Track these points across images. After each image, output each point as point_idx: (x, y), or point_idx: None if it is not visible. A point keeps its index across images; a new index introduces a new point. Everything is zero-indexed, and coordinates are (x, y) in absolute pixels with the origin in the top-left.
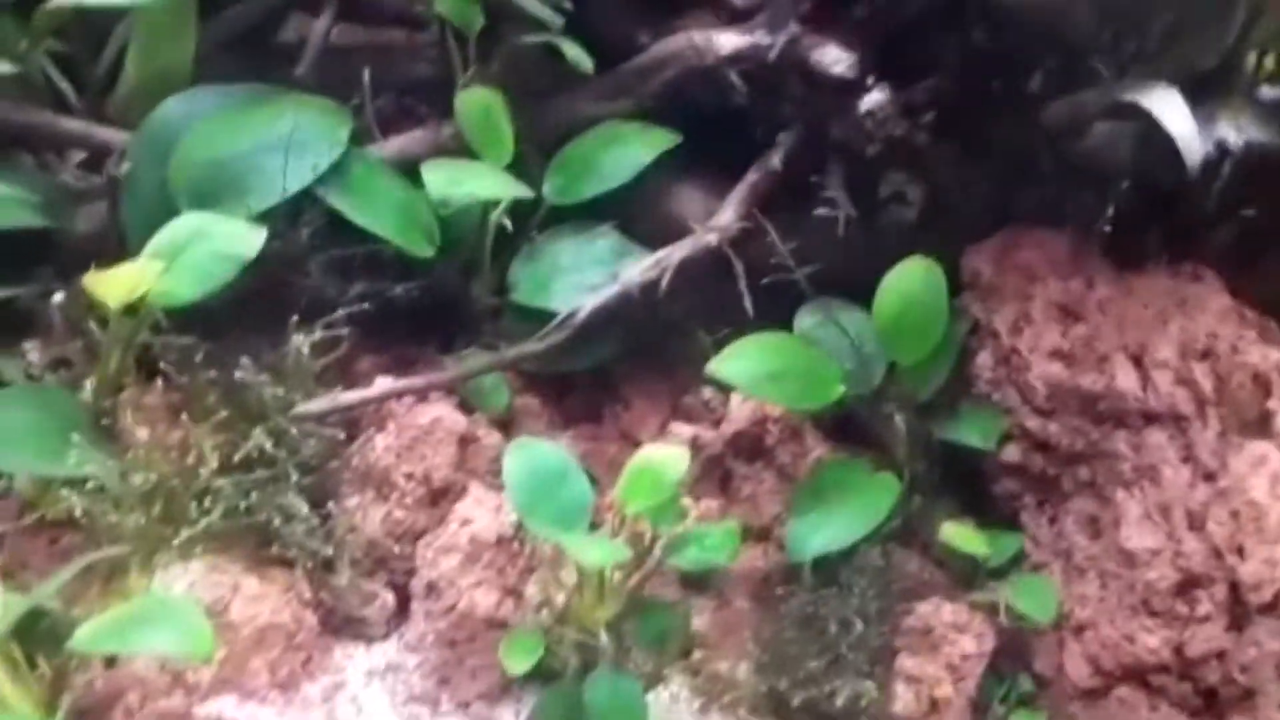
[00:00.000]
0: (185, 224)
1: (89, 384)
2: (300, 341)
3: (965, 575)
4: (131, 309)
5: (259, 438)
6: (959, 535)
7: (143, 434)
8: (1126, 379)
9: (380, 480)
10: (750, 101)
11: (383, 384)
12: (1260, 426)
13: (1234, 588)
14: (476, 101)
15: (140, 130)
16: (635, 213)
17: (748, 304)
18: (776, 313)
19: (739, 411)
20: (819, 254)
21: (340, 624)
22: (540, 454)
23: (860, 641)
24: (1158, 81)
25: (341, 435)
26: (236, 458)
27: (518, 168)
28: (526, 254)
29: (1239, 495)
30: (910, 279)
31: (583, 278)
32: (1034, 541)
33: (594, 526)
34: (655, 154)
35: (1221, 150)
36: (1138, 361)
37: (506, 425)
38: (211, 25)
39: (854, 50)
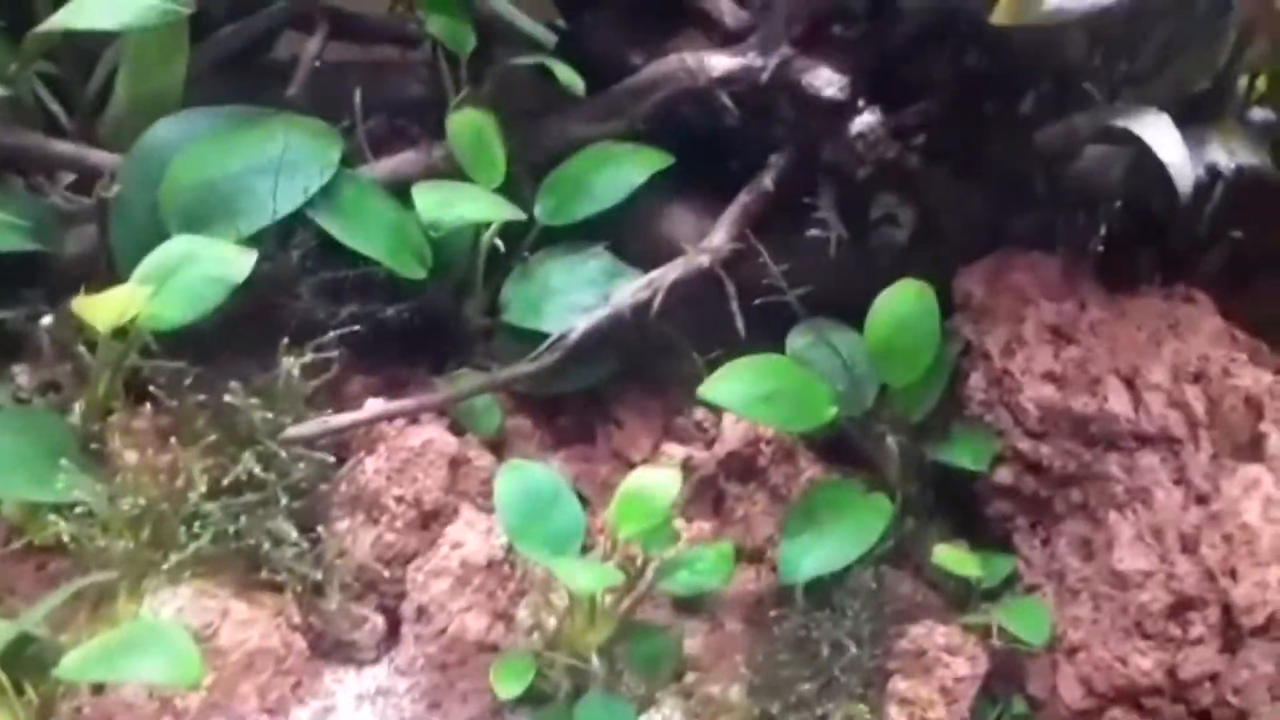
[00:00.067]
0: (175, 247)
1: (78, 407)
2: (290, 364)
3: (958, 597)
4: (121, 332)
5: (248, 461)
6: (952, 557)
7: (131, 458)
8: (1119, 401)
9: (370, 503)
10: (742, 123)
11: (374, 406)
12: (1252, 449)
13: (1227, 610)
14: (468, 123)
15: (131, 153)
16: (627, 234)
17: (740, 325)
18: (768, 334)
19: (731, 432)
20: (811, 275)
21: (330, 648)
22: (532, 476)
23: (853, 664)
24: (1149, 107)
25: (332, 458)
26: (226, 481)
27: (509, 189)
28: (518, 275)
29: (1231, 518)
30: (902, 301)
31: (575, 299)
32: (1027, 563)
33: (586, 549)
34: (647, 175)
35: (1213, 173)
36: (1130, 384)
37: (498, 447)
38: (202, 47)
39: (846, 72)
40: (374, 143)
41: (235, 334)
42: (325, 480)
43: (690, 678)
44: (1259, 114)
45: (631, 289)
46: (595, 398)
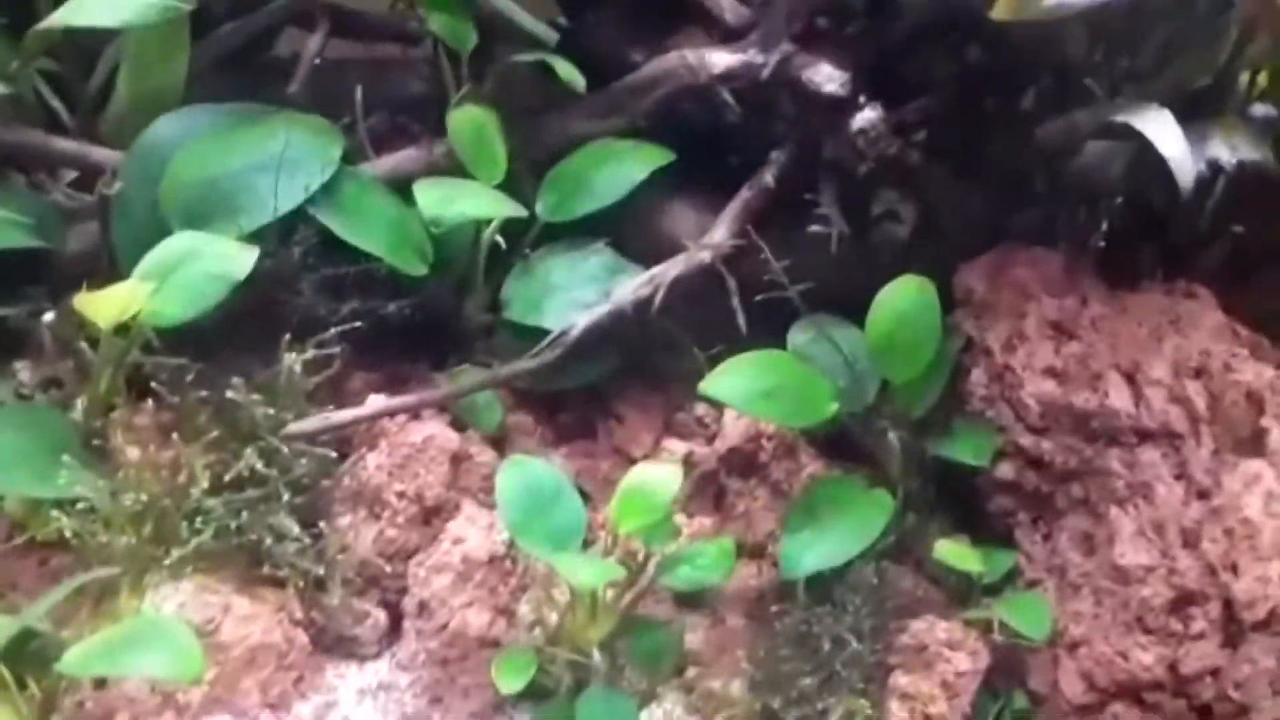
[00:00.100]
0: (177, 244)
1: (80, 404)
2: (292, 360)
3: (959, 592)
4: (123, 329)
5: (250, 457)
6: (953, 552)
7: (133, 454)
8: (1120, 397)
9: (372, 499)
10: (743, 119)
11: (375, 402)
12: (1253, 444)
13: (1228, 605)
14: (469, 119)
15: (132, 150)
16: (628, 230)
17: (741, 321)
18: (770, 330)
19: (733, 428)
20: (812, 271)
21: (332, 643)
22: (533, 472)
23: (854, 659)
24: (1150, 102)
25: (333, 454)
26: (228, 477)
27: (510, 185)
28: (519, 272)
29: (1233, 513)
30: (903, 296)
31: (576, 295)
32: (1028, 558)
33: (587, 544)
34: (648, 171)
35: (1214, 169)
36: (1131, 379)
37: (499, 443)
38: (203, 44)
39: (846, 69)
40: (375, 140)
41: (237, 330)
42: (327, 476)
43: (691, 673)
44: (1260, 110)
45: (633, 285)
46: (596, 394)
